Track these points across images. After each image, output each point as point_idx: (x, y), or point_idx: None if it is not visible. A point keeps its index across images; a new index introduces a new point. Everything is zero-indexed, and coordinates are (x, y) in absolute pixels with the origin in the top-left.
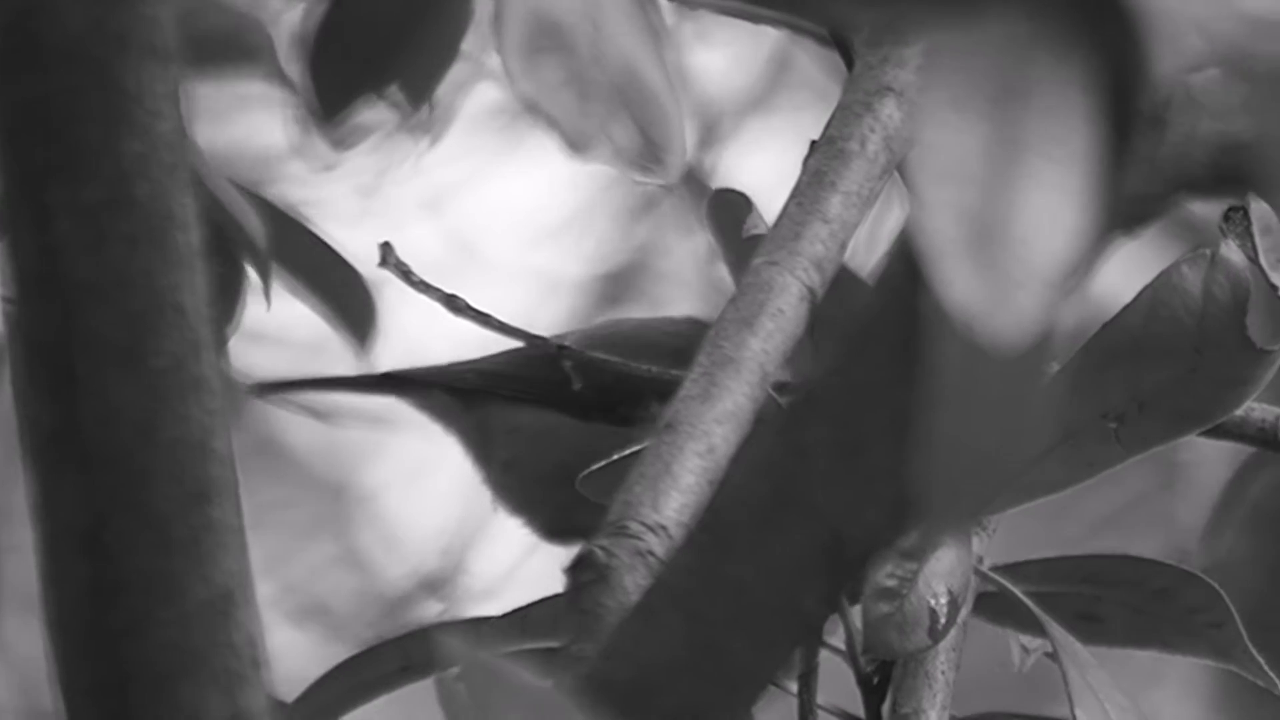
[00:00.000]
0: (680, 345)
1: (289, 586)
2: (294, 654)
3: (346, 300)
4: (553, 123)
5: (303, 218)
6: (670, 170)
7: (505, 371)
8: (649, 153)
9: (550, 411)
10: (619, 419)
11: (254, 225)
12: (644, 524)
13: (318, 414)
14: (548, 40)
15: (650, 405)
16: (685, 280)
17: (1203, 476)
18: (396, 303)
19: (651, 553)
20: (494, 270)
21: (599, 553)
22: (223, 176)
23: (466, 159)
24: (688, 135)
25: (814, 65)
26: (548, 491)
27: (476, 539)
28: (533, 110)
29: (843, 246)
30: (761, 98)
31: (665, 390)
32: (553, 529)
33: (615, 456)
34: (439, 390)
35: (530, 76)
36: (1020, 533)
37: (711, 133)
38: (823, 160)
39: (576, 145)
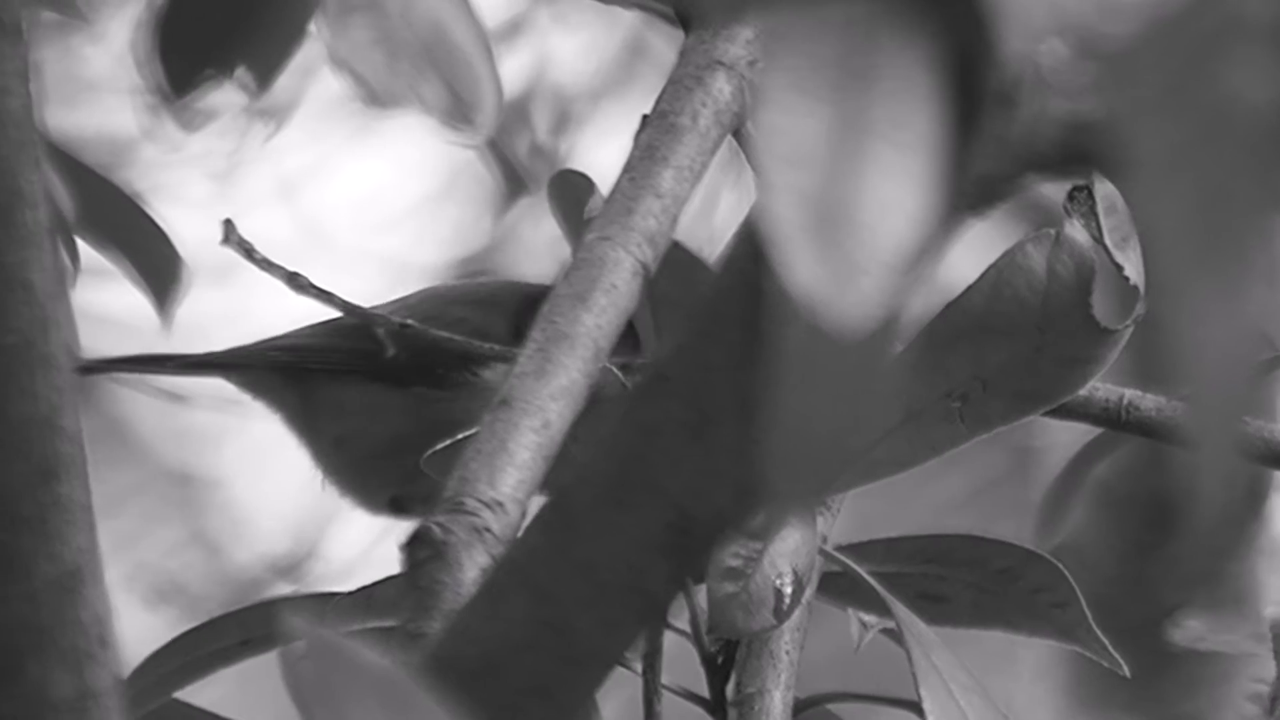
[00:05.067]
0: (490, 294)
1: (139, 569)
2: (144, 636)
3: (151, 257)
4: (361, 81)
5: (109, 175)
6: (480, 129)
7: (315, 344)
8: (458, 111)
9: (369, 383)
10: (437, 382)
11: (58, 189)
12: (480, 500)
13: (169, 396)
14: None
15: (468, 369)
16: (537, 265)
17: (1054, 461)
18: (245, 287)
19: (488, 529)
20: (345, 255)
21: (435, 529)
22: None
23: (318, 144)
24: (500, 95)
25: (667, 47)
26: (382, 465)
27: (329, 522)
28: (343, 69)
29: (674, 221)
30: (616, 81)
31: (483, 356)
32: (388, 504)
33: (459, 436)
34: (258, 369)
35: (341, 35)
36: (869, 517)
37: (566, 117)
38: (654, 135)
39: (385, 103)
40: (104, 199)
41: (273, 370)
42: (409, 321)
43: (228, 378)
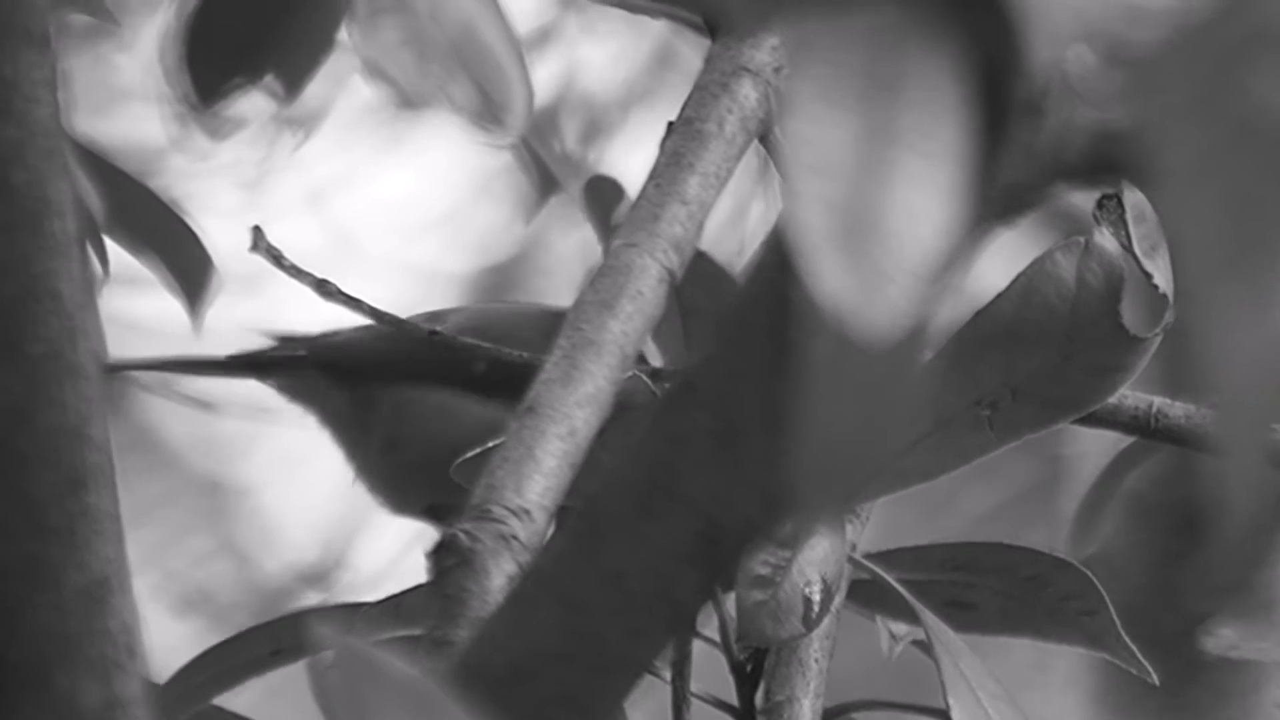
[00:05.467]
0: (544, 333)
1: (167, 578)
2: (172, 645)
3: (182, 258)
4: (392, 82)
5: (138, 175)
6: (511, 129)
7: (386, 352)
8: (488, 112)
9: (440, 390)
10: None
11: (88, 192)
12: (507, 507)
13: (198, 403)
14: (388, 0)
15: None
16: (567, 273)
17: (1084, 469)
18: (274, 295)
19: (515, 536)
20: (374, 263)
21: (462, 537)
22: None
23: (347, 152)
24: (530, 95)
25: (695, 56)
26: (431, 472)
27: (357, 531)
28: (373, 70)
29: (700, 227)
30: (645, 90)
31: (513, 363)
32: (425, 510)
33: (489, 444)
34: (310, 370)
35: (370, 37)
36: (900, 525)
37: (595, 125)
38: (680, 141)
39: (416, 104)
40: (134, 201)
41: (327, 372)
42: (438, 329)
43: (269, 380)
